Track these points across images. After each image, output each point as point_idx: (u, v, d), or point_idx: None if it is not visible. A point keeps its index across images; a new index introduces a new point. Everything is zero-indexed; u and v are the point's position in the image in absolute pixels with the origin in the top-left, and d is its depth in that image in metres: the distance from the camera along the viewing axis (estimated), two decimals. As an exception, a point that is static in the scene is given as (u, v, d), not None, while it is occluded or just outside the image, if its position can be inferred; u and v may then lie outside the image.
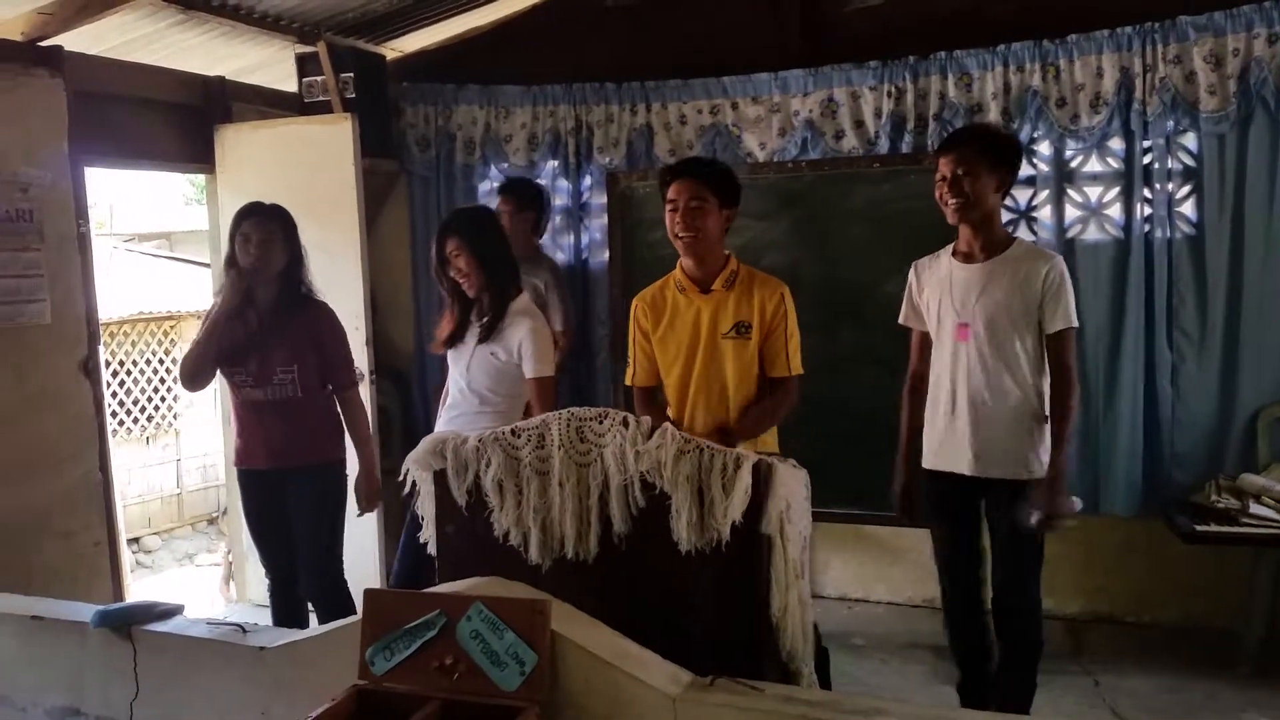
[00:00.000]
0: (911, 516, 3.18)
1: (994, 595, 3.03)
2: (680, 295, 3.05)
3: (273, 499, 3.40)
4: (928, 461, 3.08)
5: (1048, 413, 2.92)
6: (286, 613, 3.49)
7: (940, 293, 3.02)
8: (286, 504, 3.39)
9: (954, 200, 2.90)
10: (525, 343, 3.23)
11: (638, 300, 3.15)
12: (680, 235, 2.96)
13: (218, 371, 3.39)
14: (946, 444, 3.00)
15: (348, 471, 3.50)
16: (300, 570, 3.44)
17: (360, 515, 3.50)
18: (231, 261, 3.33)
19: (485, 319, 3.28)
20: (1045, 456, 2.92)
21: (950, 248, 3.05)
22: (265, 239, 3.30)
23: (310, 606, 3.53)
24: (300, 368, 3.32)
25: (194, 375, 3.38)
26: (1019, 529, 2.90)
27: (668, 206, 2.99)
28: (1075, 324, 2.92)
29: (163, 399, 9.66)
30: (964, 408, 2.95)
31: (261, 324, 3.32)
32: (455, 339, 3.36)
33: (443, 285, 3.37)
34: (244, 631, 2.30)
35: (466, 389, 3.33)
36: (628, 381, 3.20)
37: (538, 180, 4.65)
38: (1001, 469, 2.92)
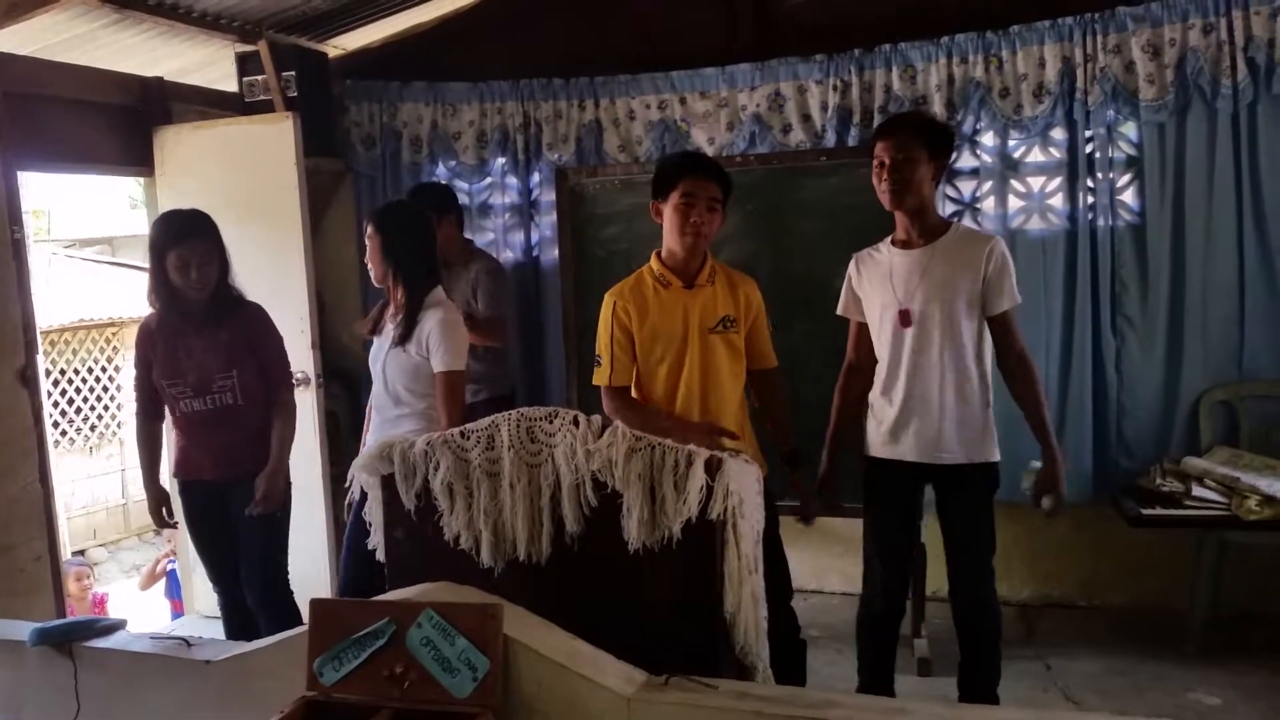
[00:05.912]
0: (830, 505, 3.21)
1: (952, 588, 3.03)
2: (663, 290, 2.98)
3: (218, 510, 3.34)
4: (873, 450, 3.08)
5: (990, 397, 2.95)
6: (239, 625, 3.42)
7: (881, 281, 3.02)
8: (230, 514, 3.32)
9: (893, 185, 2.91)
10: (433, 334, 3.12)
11: (615, 298, 3.01)
12: (694, 234, 2.91)
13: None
14: (893, 431, 3.00)
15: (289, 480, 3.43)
16: (244, 579, 3.38)
17: (248, 513, 3.24)
18: (163, 282, 3.18)
19: (400, 318, 3.19)
20: (995, 439, 2.95)
21: (889, 238, 3.06)
22: (204, 261, 3.18)
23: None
24: (239, 373, 3.25)
25: (145, 409, 3.38)
26: (976, 517, 2.93)
27: (680, 199, 2.89)
28: (1019, 300, 2.94)
29: (105, 408, 9.43)
30: (909, 394, 2.96)
31: (195, 334, 3.24)
32: (377, 328, 3.31)
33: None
34: (189, 645, 2.26)
35: (384, 390, 3.26)
36: (599, 381, 3.02)
37: (443, 181, 4.64)
38: (953, 454, 2.93)
